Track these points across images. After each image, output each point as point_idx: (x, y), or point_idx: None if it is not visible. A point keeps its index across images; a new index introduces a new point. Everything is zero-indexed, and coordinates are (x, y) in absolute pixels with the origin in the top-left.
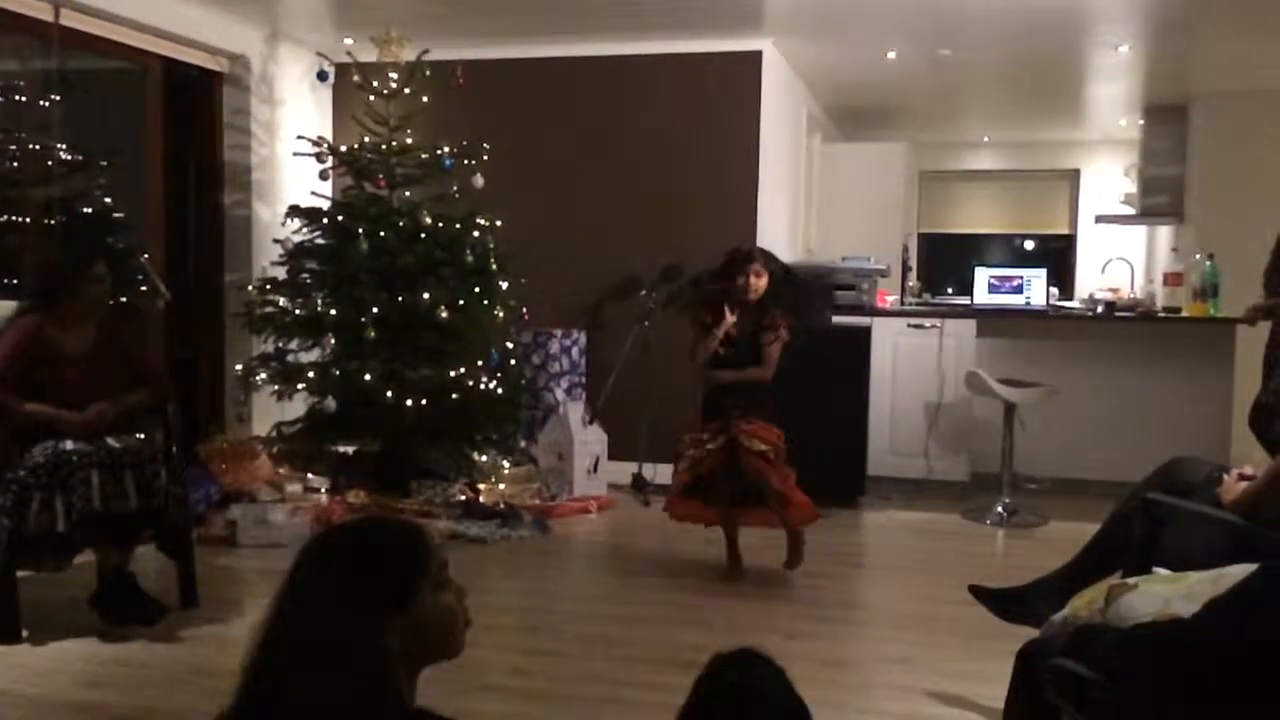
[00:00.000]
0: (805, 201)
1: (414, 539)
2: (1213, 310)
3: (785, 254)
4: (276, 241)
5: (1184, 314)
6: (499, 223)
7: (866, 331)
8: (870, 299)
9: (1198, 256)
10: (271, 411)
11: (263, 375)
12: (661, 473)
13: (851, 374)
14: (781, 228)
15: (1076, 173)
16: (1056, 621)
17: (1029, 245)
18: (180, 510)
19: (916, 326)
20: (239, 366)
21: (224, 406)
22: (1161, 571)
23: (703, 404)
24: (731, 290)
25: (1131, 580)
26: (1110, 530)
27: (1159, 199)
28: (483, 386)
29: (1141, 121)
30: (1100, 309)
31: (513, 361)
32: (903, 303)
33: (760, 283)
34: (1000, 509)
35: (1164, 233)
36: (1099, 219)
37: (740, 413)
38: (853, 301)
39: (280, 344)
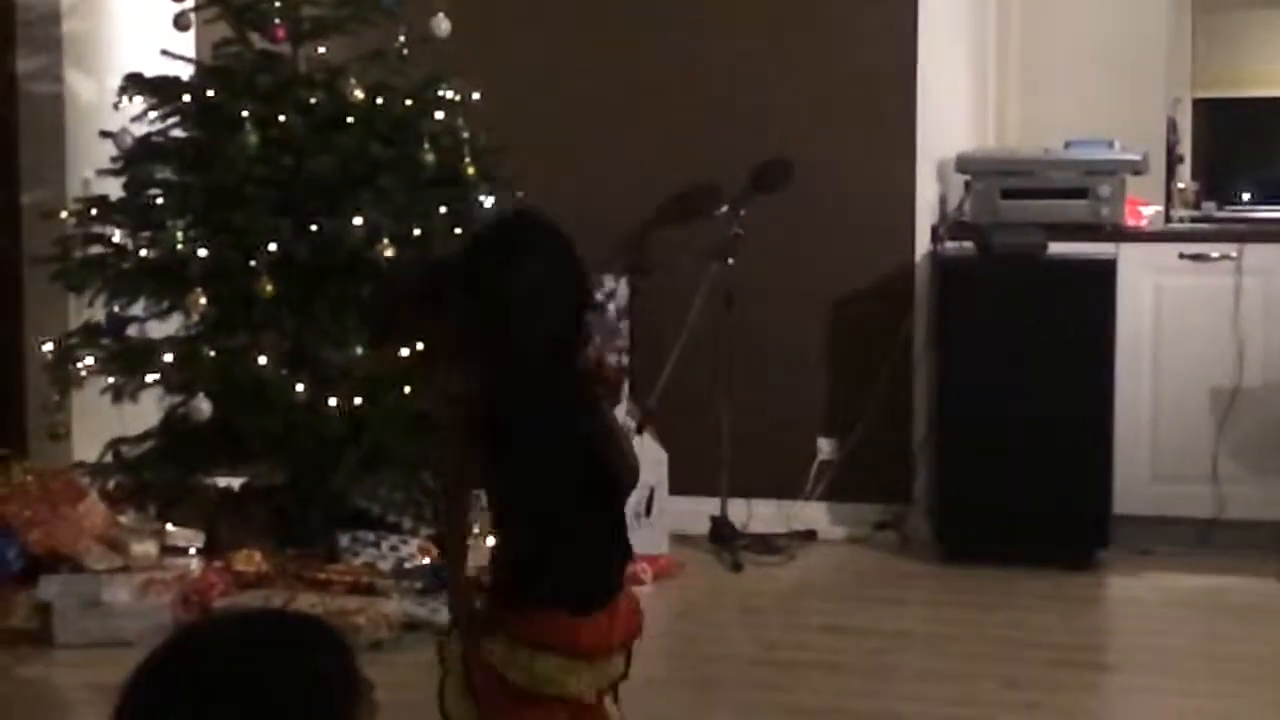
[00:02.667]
0: (998, 53)
1: (342, 664)
2: None
3: (965, 142)
4: (106, 135)
5: None
6: (477, 97)
7: (1108, 268)
8: (1114, 213)
9: None
10: (105, 421)
11: (89, 360)
12: (759, 514)
13: (1082, 342)
14: (958, 100)
15: None
16: None
17: None
18: None
19: (1195, 258)
20: (48, 346)
21: (24, 414)
22: None
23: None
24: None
25: None
26: None
27: None
28: None
29: None
30: None
31: None
32: (1168, 218)
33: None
34: None
35: None
36: None
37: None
38: (1084, 217)
39: (116, 307)
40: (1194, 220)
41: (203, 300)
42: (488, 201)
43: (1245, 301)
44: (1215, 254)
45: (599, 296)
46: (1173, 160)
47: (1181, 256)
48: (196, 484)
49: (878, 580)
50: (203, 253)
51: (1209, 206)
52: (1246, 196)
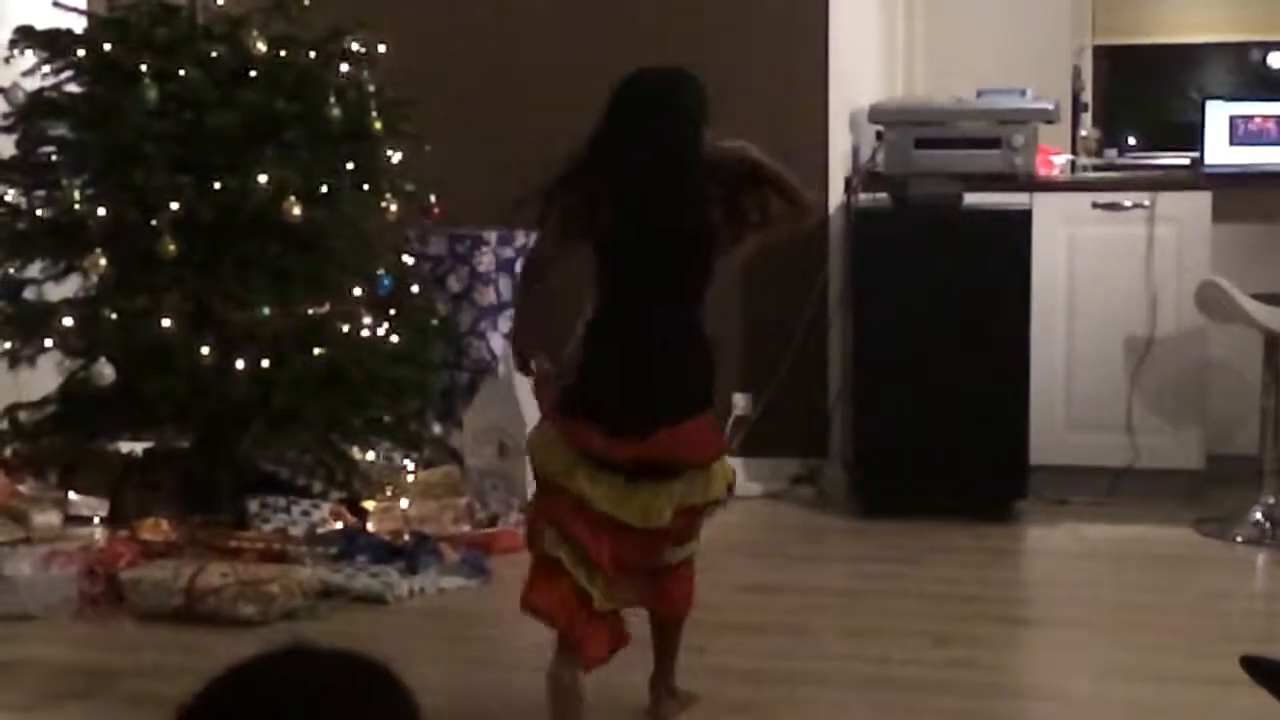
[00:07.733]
0: (905, 1)
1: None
2: None
3: (874, 92)
4: None
5: None
6: (384, 48)
7: (1023, 218)
8: (1027, 162)
9: None
10: (2, 386)
11: None
12: None
13: (997, 293)
14: (868, 50)
15: None
16: None
17: None
18: None
19: (1109, 207)
20: None
21: None
22: None
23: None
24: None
25: None
26: None
27: None
28: (365, 333)
29: None
30: None
31: (416, 289)
32: (1075, 166)
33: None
34: (1260, 516)
35: None
36: None
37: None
38: (997, 167)
39: (11, 269)
40: (1098, 168)
41: (102, 261)
42: (395, 156)
43: (1158, 250)
44: (1128, 203)
45: (508, 253)
46: (1078, 108)
47: (1095, 206)
48: (99, 450)
49: (796, 536)
50: (101, 212)
51: (1111, 154)
52: (1132, 141)
